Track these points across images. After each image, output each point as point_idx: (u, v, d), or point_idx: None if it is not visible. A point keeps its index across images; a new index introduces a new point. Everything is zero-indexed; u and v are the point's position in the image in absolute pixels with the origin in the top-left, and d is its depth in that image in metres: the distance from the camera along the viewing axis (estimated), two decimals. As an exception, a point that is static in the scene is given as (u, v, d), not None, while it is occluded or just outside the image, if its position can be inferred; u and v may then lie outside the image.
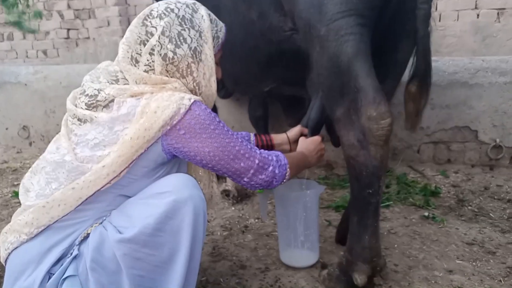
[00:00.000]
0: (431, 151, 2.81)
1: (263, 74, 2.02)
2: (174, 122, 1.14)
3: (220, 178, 2.84)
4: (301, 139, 1.64)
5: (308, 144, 1.58)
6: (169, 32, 1.19)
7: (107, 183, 1.14)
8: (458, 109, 2.70)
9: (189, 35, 1.21)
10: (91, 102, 1.19)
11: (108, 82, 1.22)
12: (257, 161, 1.26)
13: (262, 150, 1.31)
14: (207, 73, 1.27)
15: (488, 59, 2.71)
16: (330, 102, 1.42)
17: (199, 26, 1.23)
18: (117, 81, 1.22)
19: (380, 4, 1.36)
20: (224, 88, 2.69)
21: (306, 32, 1.42)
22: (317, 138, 1.62)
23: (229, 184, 2.44)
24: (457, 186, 2.50)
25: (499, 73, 2.62)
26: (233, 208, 2.35)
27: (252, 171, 1.26)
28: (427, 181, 2.58)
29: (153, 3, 1.33)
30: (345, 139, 1.37)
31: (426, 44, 1.37)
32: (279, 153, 1.36)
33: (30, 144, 3.79)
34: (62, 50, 5.14)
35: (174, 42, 1.19)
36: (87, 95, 1.20)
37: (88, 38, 4.98)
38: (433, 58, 2.88)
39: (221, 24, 1.34)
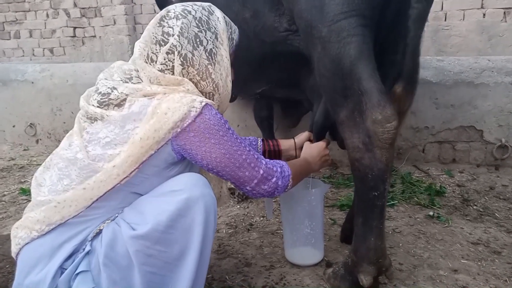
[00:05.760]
0: (436, 150, 2.81)
1: (255, 75, 1.97)
2: (185, 125, 1.15)
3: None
4: (306, 144, 1.64)
5: (312, 151, 1.58)
6: (187, 33, 1.22)
7: (118, 183, 1.16)
8: (463, 108, 2.69)
9: (205, 37, 1.24)
10: (103, 100, 1.20)
11: (122, 80, 1.24)
12: (261, 172, 1.27)
13: (268, 160, 1.32)
14: (224, 73, 1.30)
15: (494, 59, 2.71)
16: (333, 104, 1.40)
17: (215, 28, 1.27)
18: (130, 79, 1.24)
19: (381, 4, 1.33)
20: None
21: (307, 32, 1.39)
22: (321, 144, 1.61)
23: (234, 183, 2.45)
24: (462, 186, 2.50)
25: (505, 72, 2.62)
26: (238, 206, 2.36)
27: (255, 181, 1.27)
28: (432, 181, 2.58)
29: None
30: (349, 141, 1.36)
31: (416, 45, 1.33)
32: (284, 163, 1.37)
33: (37, 141, 3.83)
34: (68, 48, 5.17)
35: (192, 44, 1.22)
36: (100, 93, 1.22)
37: (94, 36, 5.01)
38: (438, 57, 2.90)
39: (234, 27, 1.37)
